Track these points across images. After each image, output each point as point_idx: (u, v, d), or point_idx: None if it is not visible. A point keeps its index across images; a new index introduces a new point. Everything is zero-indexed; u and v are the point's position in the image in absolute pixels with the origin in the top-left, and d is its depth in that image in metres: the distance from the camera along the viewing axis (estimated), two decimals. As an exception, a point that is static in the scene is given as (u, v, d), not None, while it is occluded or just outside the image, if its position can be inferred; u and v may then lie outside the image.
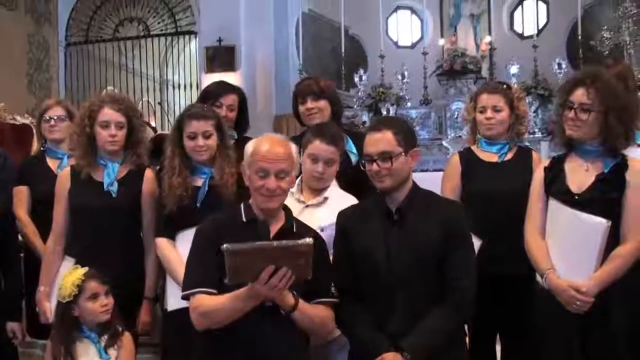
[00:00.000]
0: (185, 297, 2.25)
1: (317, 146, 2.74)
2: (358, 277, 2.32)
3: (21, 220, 3.37)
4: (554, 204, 2.60)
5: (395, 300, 2.26)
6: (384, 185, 2.31)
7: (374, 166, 2.29)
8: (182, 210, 2.81)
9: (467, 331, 2.67)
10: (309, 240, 2.00)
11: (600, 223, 2.44)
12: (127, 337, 2.75)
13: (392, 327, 2.25)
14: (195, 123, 2.85)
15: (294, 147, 2.33)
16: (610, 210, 2.48)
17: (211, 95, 3.39)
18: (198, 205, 2.84)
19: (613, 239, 2.48)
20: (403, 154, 2.29)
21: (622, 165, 2.54)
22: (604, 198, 2.51)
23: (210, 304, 2.16)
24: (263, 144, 2.28)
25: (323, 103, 3.29)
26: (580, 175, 2.59)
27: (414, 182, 2.40)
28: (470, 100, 3.33)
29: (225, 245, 1.98)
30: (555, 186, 2.62)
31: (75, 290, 2.66)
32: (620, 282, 2.46)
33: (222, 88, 3.46)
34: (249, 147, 2.32)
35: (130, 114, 3.03)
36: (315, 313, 2.24)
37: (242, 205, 2.34)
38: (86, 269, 2.72)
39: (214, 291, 2.18)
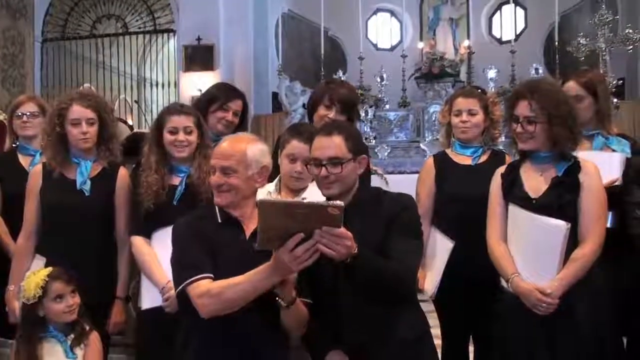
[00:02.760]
0: (181, 293, 2.15)
1: (295, 145, 2.71)
2: (308, 282, 2.25)
3: None
4: (513, 209, 2.64)
5: (346, 306, 2.21)
6: (330, 192, 2.25)
7: (323, 171, 2.23)
8: (158, 208, 2.79)
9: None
10: (339, 202, 1.94)
11: (560, 226, 2.48)
12: (94, 336, 2.72)
13: (347, 336, 2.21)
14: (176, 118, 2.85)
15: (253, 147, 2.29)
16: (567, 213, 2.53)
17: (219, 98, 3.32)
18: (175, 203, 2.82)
19: (572, 240, 2.51)
20: (352, 160, 2.25)
21: (575, 167, 2.60)
22: (560, 201, 2.56)
23: (222, 284, 2.07)
24: (222, 142, 2.33)
25: (344, 119, 3.15)
26: (536, 180, 2.64)
27: (361, 183, 2.35)
28: (445, 104, 3.36)
29: (259, 198, 1.96)
30: (514, 192, 2.66)
31: (39, 292, 2.62)
32: (582, 283, 2.50)
33: (231, 92, 3.39)
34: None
35: (101, 110, 2.99)
36: (302, 310, 2.21)
37: (215, 206, 2.31)
38: (50, 269, 2.68)
39: (212, 276, 2.11)
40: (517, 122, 2.64)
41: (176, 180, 2.86)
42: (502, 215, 2.68)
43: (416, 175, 3.35)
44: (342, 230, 1.94)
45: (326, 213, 1.90)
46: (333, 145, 2.23)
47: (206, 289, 2.09)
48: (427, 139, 9.66)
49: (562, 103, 2.61)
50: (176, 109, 2.91)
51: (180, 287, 2.14)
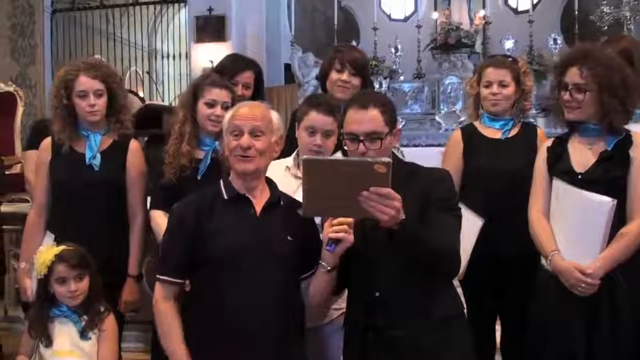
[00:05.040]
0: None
1: (314, 117, 2.59)
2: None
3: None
4: (557, 184, 2.52)
5: (374, 281, 2.11)
6: None
7: (361, 147, 2.09)
8: (182, 181, 2.69)
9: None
10: (386, 158, 1.84)
11: (606, 202, 2.35)
12: (110, 320, 2.61)
13: (374, 316, 2.11)
14: (217, 91, 2.75)
15: (274, 114, 2.25)
16: (615, 189, 2.41)
17: (225, 71, 3.19)
18: (199, 177, 2.72)
19: (618, 218, 2.39)
20: (389, 134, 2.13)
21: (625, 141, 2.47)
22: (607, 176, 2.44)
23: (171, 317, 2.15)
24: (241, 107, 2.24)
25: (358, 81, 3.08)
26: (584, 154, 2.52)
27: (394, 156, 2.22)
28: (474, 74, 3.21)
29: (303, 157, 1.93)
30: (559, 166, 2.54)
31: (45, 270, 2.54)
32: (626, 263, 2.39)
33: (237, 64, 3.26)
34: (228, 114, 2.25)
35: (109, 80, 2.85)
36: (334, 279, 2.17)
37: (221, 183, 2.22)
38: (60, 249, 2.58)
39: (182, 282, 2.17)
40: (566, 89, 2.50)
41: (200, 154, 2.76)
42: (546, 189, 2.56)
43: (431, 149, 3.24)
44: (390, 190, 1.84)
45: (373, 171, 1.81)
46: (369, 118, 2.08)
47: (161, 298, 2.16)
48: (442, 111, 9.50)
49: (616, 72, 2.45)
50: (217, 81, 2.81)
51: (159, 277, 2.17)
